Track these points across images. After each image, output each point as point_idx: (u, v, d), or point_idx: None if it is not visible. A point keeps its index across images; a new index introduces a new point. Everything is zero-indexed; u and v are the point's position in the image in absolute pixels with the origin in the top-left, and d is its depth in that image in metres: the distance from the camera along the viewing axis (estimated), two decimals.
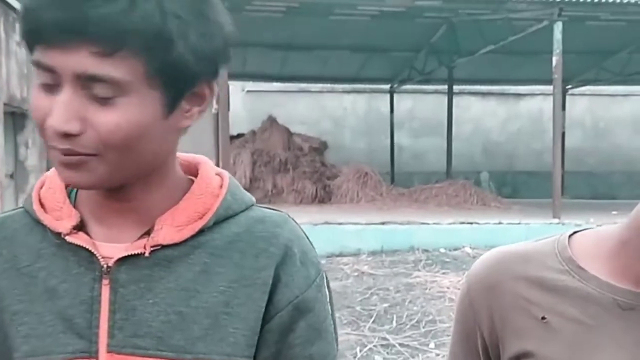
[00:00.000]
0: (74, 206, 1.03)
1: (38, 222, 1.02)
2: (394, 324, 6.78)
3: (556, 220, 11.19)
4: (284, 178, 14.96)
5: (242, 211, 1.04)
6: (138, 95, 0.89)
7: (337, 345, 1.07)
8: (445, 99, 17.15)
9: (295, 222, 1.09)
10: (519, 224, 11.03)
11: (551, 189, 11.82)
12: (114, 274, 0.98)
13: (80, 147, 0.90)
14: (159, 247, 0.98)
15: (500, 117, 20.10)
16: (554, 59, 11.27)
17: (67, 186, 1.03)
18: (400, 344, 6.19)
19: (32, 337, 0.98)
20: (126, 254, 0.97)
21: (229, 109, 11.07)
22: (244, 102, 18.78)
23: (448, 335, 6.15)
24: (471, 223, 10.92)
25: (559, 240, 1.06)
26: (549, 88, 12.73)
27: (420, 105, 19.63)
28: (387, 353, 6.03)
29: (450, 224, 10.86)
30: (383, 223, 10.72)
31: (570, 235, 1.07)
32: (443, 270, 8.86)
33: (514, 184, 19.29)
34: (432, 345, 6.18)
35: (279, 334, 1.01)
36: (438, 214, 12.24)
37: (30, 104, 0.92)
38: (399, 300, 7.50)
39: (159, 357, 0.96)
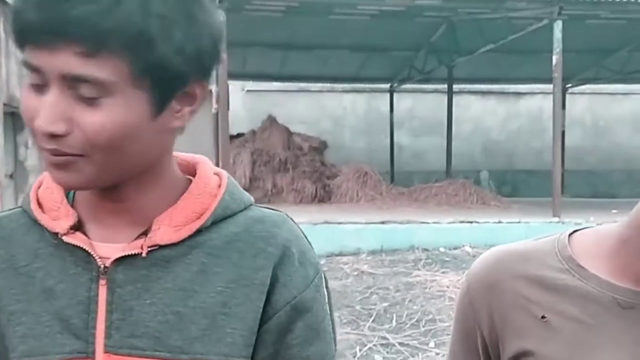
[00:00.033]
0: (72, 206, 1.02)
1: (36, 222, 1.02)
2: (394, 323, 6.78)
3: (556, 219, 11.19)
4: (283, 177, 14.96)
5: (241, 211, 1.04)
6: (124, 95, 0.88)
7: (335, 345, 1.07)
8: (445, 98, 17.15)
9: (294, 222, 1.08)
10: (518, 222, 11.03)
11: (551, 188, 11.82)
12: (111, 274, 0.97)
13: (67, 147, 0.90)
14: (156, 247, 0.97)
15: (500, 116, 20.10)
16: (554, 58, 11.26)
17: None
18: (400, 343, 6.19)
19: (29, 337, 0.98)
20: (123, 254, 0.97)
21: (228, 109, 11.07)
22: (244, 101, 18.78)
23: (448, 335, 6.14)
24: (471, 222, 10.92)
25: (559, 239, 1.06)
26: (548, 87, 12.73)
27: (420, 104, 19.63)
28: (387, 352, 6.03)
29: (450, 223, 10.87)
30: (383, 222, 10.73)
31: (570, 234, 1.07)
32: (443, 270, 8.86)
33: (513, 183, 19.29)
34: (431, 344, 6.18)
35: (277, 335, 1.00)
36: (438, 213, 12.24)
37: (21, 104, 0.92)
38: (398, 300, 7.50)
39: (156, 357, 0.96)
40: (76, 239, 0.98)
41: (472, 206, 13.98)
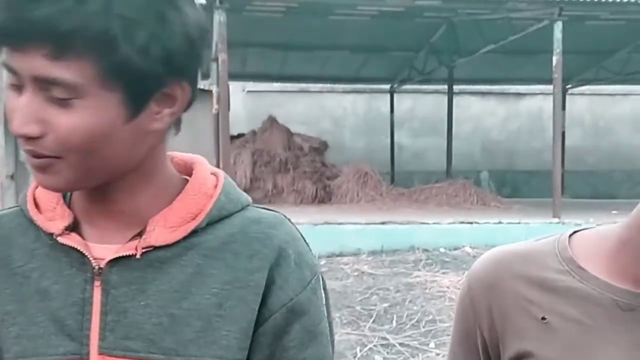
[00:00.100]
0: (69, 207, 1.02)
1: (32, 222, 1.02)
2: (394, 323, 6.77)
3: (556, 220, 11.19)
4: (284, 178, 14.95)
5: (237, 212, 1.04)
6: (94, 97, 0.88)
7: (333, 348, 1.07)
8: (445, 98, 17.14)
9: (292, 223, 1.07)
10: (518, 223, 11.02)
11: (551, 188, 11.81)
12: (106, 275, 0.97)
13: (42, 149, 0.90)
14: (151, 249, 0.97)
15: (500, 116, 20.09)
16: (554, 59, 11.26)
17: None
18: (400, 344, 6.19)
19: (24, 338, 0.97)
20: (118, 256, 0.97)
21: (229, 109, 11.07)
22: (244, 102, 18.78)
23: (448, 335, 6.14)
24: (471, 223, 10.91)
25: (559, 240, 1.06)
26: (549, 87, 12.73)
27: (420, 105, 19.62)
28: (387, 353, 6.03)
29: (450, 223, 10.86)
30: (383, 223, 10.72)
31: (570, 235, 1.07)
32: (443, 270, 8.86)
33: (513, 184, 19.28)
34: (432, 344, 6.18)
35: (273, 337, 1.00)
36: (438, 213, 12.24)
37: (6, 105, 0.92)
38: (399, 300, 7.50)
39: (150, 359, 0.96)
40: (71, 240, 0.98)
41: (472, 207, 13.97)
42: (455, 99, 17.27)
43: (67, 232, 0.99)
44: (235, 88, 17.07)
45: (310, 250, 1.07)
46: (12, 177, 9.28)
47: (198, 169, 1.06)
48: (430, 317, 6.90)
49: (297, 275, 1.01)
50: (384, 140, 18.73)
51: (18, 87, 0.89)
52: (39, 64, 0.85)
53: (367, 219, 10.93)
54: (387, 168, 17.93)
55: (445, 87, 17.03)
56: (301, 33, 13.88)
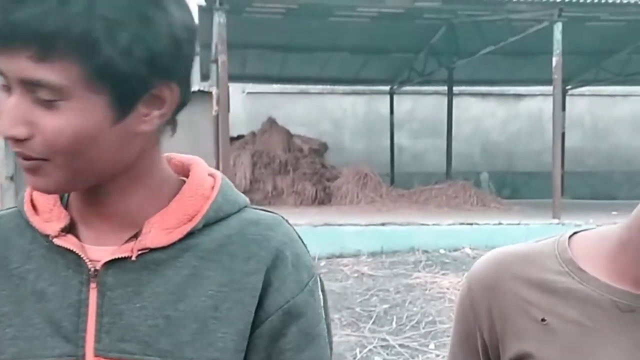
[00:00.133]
0: (66, 208, 1.02)
1: (29, 223, 1.02)
2: (394, 325, 6.78)
3: (556, 221, 11.19)
4: (284, 179, 14.96)
5: (235, 213, 1.03)
6: (80, 99, 0.87)
7: (331, 350, 1.06)
8: (445, 100, 17.16)
9: (290, 224, 1.07)
10: (518, 224, 11.03)
11: (551, 190, 11.82)
12: (102, 277, 0.97)
13: (30, 151, 0.90)
14: (147, 251, 0.97)
15: (500, 117, 20.11)
16: (554, 60, 11.27)
17: None
18: (400, 345, 6.19)
19: (20, 340, 0.97)
20: (113, 258, 0.97)
21: (229, 111, 11.08)
22: (244, 103, 18.79)
23: (448, 336, 6.13)
24: (471, 224, 10.92)
25: (559, 241, 1.06)
26: (548, 88, 12.74)
27: (420, 106, 19.64)
28: (387, 354, 6.03)
29: (450, 224, 10.87)
30: (383, 224, 10.73)
31: (570, 236, 1.07)
32: (443, 271, 8.87)
33: (513, 185, 19.30)
34: (432, 346, 6.18)
35: (270, 339, 0.99)
36: (438, 214, 12.25)
37: None
38: (399, 301, 7.50)
39: None
40: (67, 242, 0.98)
41: (472, 208, 13.98)
42: (455, 100, 17.29)
43: (63, 233, 0.98)
44: (235, 89, 17.10)
45: (308, 252, 1.06)
46: (11, 178, 9.28)
47: (195, 170, 1.05)
48: (430, 318, 6.90)
49: (294, 277, 1.01)
50: (384, 142, 18.75)
51: (8, 89, 0.89)
52: (24, 65, 0.85)
53: (367, 221, 10.94)
54: (387, 169, 17.94)
55: (445, 88, 17.05)
56: (301, 34, 13.89)
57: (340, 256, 9.96)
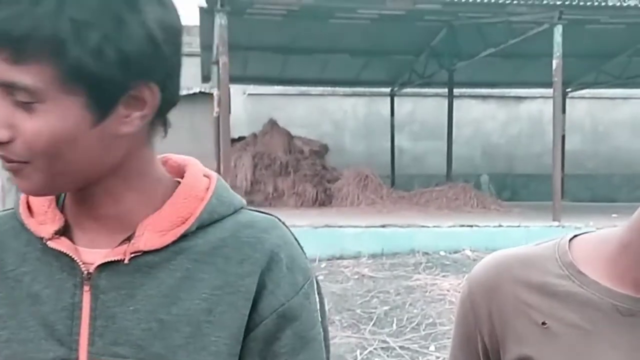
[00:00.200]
0: (62, 210, 1.02)
1: (25, 225, 1.01)
2: (394, 326, 6.77)
3: (556, 223, 11.19)
4: (284, 181, 14.95)
5: (230, 215, 1.02)
6: (56, 101, 0.87)
7: (328, 353, 1.05)
8: (445, 102, 17.14)
9: (286, 226, 1.06)
10: (518, 226, 11.02)
11: (551, 192, 11.81)
12: (95, 280, 0.96)
13: (12, 154, 0.90)
14: (140, 253, 0.96)
15: (500, 120, 20.10)
16: (554, 62, 11.27)
17: None
18: (400, 347, 6.19)
19: (14, 342, 0.97)
20: (106, 260, 0.96)
21: (230, 112, 11.08)
22: (245, 105, 18.78)
23: (448, 338, 6.15)
24: (471, 226, 10.91)
25: (560, 245, 1.06)
26: (549, 91, 12.73)
27: (420, 108, 19.63)
28: (388, 356, 6.03)
29: (450, 226, 10.86)
30: (383, 226, 10.72)
31: (570, 239, 1.07)
32: (443, 273, 8.86)
33: (513, 187, 19.29)
34: (432, 348, 6.18)
35: (264, 343, 0.98)
36: (438, 216, 12.24)
37: None
38: (399, 303, 7.50)
39: None
40: (60, 245, 0.97)
41: (472, 210, 13.97)
42: (456, 103, 17.27)
43: (57, 236, 0.98)
44: (236, 91, 17.09)
45: (305, 255, 1.05)
46: None
47: (190, 171, 1.04)
48: (431, 320, 6.89)
49: (289, 280, 1.00)
50: (385, 144, 18.73)
51: None
52: (0, 68, 0.85)
53: (367, 222, 10.93)
54: (387, 171, 17.93)
55: (446, 90, 17.03)
56: (302, 36, 13.88)
57: (341, 258, 9.95)
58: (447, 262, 9.51)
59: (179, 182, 1.03)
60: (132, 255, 0.96)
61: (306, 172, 15.19)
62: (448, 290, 7.88)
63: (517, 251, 1.09)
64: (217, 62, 11.72)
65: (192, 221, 0.98)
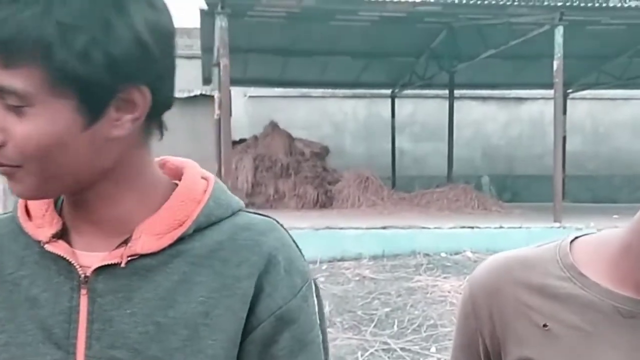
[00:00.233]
0: (60, 213, 1.02)
1: (23, 229, 1.01)
2: (396, 328, 6.77)
3: (557, 224, 11.19)
4: (285, 183, 14.96)
5: (227, 217, 1.02)
6: (46, 105, 0.87)
7: (327, 356, 1.05)
8: (446, 103, 17.15)
9: (284, 228, 1.06)
10: (520, 228, 11.01)
11: (552, 193, 11.81)
12: (92, 283, 0.96)
13: (3, 158, 0.90)
14: (136, 257, 0.96)
15: (501, 121, 20.10)
16: (555, 63, 11.27)
17: None
18: (401, 349, 6.19)
19: (12, 346, 0.97)
20: (103, 264, 0.96)
21: (231, 115, 11.09)
22: (246, 107, 18.79)
23: (449, 340, 6.15)
24: (472, 227, 10.91)
25: (561, 246, 1.06)
26: (549, 92, 12.74)
27: (421, 109, 19.63)
28: (389, 357, 6.03)
29: (451, 228, 10.86)
30: (384, 227, 10.72)
31: (571, 241, 1.07)
32: (444, 275, 8.86)
33: (514, 188, 19.28)
34: (433, 349, 6.18)
35: (262, 346, 0.98)
36: (439, 218, 12.24)
37: None
38: (400, 305, 7.50)
39: None
40: (58, 248, 0.97)
41: (473, 211, 13.96)
42: (456, 104, 17.27)
43: (54, 239, 0.98)
44: (237, 93, 17.10)
45: (303, 257, 1.05)
46: None
47: (187, 173, 1.04)
48: (432, 321, 6.89)
49: (287, 283, 0.99)
50: (385, 145, 18.74)
51: None
52: None
53: (368, 224, 10.93)
54: (388, 173, 17.93)
55: (446, 92, 17.04)
56: (302, 38, 13.89)
57: (342, 259, 9.95)
58: (448, 264, 9.51)
59: (177, 185, 1.03)
60: (129, 258, 0.96)
61: (307, 174, 15.20)
62: (449, 292, 7.88)
63: (518, 253, 1.09)
64: (217, 65, 11.72)
65: (189, 224, 0.98)
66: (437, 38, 14.15)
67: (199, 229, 0.99)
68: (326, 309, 7.09)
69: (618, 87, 18.04)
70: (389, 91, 18.73)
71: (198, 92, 14.23)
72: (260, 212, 1.08)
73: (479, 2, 11.57)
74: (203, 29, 12.66)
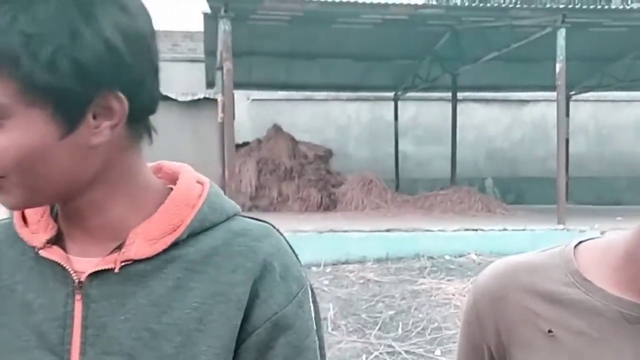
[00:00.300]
0: (56, 219, 1.01)
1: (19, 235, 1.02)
2: (400, 331, 6.77)
3: (561, 226, 11.17)
4: (289, 186, 14.97)
5: (222, 222, 1.01)
6: (21, 116, 0.87)
7: None
8: (449, 106, 17.15)
9: (280, 234, 1.05)
10: (523, 230, 11.00)
11: (555, 195, 11.80)
12: (86, 289, 0.96)
13: None
14: (130, 262, 0.96)
15: (504, 123, 20.08)
16: (558, 66, 11.27)
17: None
18: (406, 352, 6.19)
19: (6, 352, 0.97)
20: (97, 269, 0.96)
21: (234, 118, 11.10)
22: (249, 110, 18.80)
23: (454, 342, 6.15)
24: (476, 230, 10.89)
25: (564, 252, 1.06)
26: (552, 94, 12.72)
27: (424, 112, 19.62)
28: None
29: (455, 230, 10.84)
30: (388, 230, 10.71)
31: (575, 246, 1.06)
32: (448, 277, 8.85)
33: (518, 190, 19.26)
34: (437, 352, 6.18)
35: (257, 352, 0.98)
36: (443, 220, 12.23)
37: None
38: (404, 308, 7.49)
39: None
40: (52, 254, 0.97)
41: (477, 214, 13.95)
42: (459, 106, 17.27)
43: (49, 245, 0.98)
44: (240, 97, 17.12)
45: (299, 262, 1.05)
46: None
47: (182, 177, 1.04)
48: (436, 324, 6.89)
49: (283, 289, 0.99)
50: (389, 148, 18.73)
51: None
52: None
53: (372, 227, 10.92)
54: (391, 175, 17.93)
55: (449, 94, 17.03)
56: (305, 41, 13.91)
57: (346, 262, 9.95)
58: (452, 266, 9.50)
59: (172, 189, 1.02)
60: (123, 263, 0.96)
61: (310, 177, 15.21)
62: (453, 295, 7.87)
63: (522, 259, 1.09)
64: (221, 68, 11.73)
65: (182, 229, 0.98)
66: (440, 41, 14.15)
67: (193, 234, 0.99)
68: (330, 312, 7.10)
69: (621, 89, 18.03)
70: (392, 94, 18.73)
71: (201, 96, 14.24)
72: (256, 217, 1.07)
73: (481, 5, 11.59)
74: (206, 32, 12.68)
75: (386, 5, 11.42)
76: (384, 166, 17.85)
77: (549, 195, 14.06)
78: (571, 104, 18.02)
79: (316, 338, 1.03)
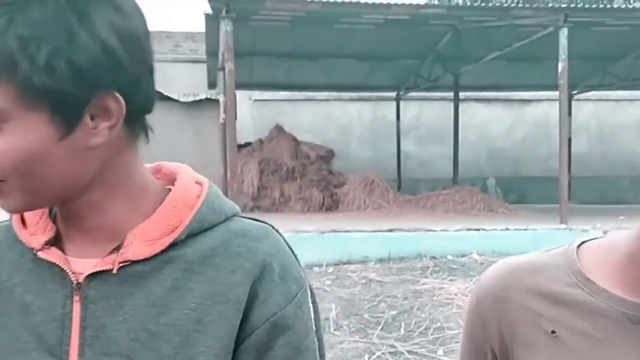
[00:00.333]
0: (54, 221, 1.02)
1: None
2: (402, 331, 6.77)
3: (563, 226, 11.16)
4: (291, 186, 14.97)
5: (221, 223, 1.02)
6: (19, 119, 0.87)
7: None
8: (451, 105, 17.15)
9: (279, 234, 1.05)
10: (526, 229, 10.99)
11: (558, 195, 11.79)
12: (84, 290, 0.96)
13: None
14: (128, 263, 0.96)
15: (506, 123, 20.08)
16: (560, 65, 11.26)
17: None
18: (408, 352, 6.19)
19: (5, 353, 0.97)
20: (96, 270, 0.96)
21: (236, 118, 11.10)
22: (251, 111, 18.81)
23: (456, 342, 6.15)
24: (478, 229, 10.88)
25: (567, 252, 1.06)
26: (554, 94, 12.72)
27: (426, 112, 19.63)
28: None
29: (457, 230, 10.83)
30: (390, 230, 10.70)
31: (578, 246, 1.06)
32: (451, 277, 8.85)
33: (520, 190, 19.25)
34: (440, 352, 6.18)
35: (256, 353, 0.97)
36: (445, 220, 12.22)
37: None
38: (407, 308, 7.49)
39: None
40: (50, 255, 0.98)
41: (479, 213, 13.93)
42: (461, 106, 17.27)
43: (47, 246, 0.98)
44: (242, 97, 17.12)
45: (298, 263, 1.04)
46: None
47: (181, 178, 1.04)
48: (439, 324, 6.89)
49: (282, 289, 0.99)
50: (391, 148, 18.74)
51: None
52: None
53: (374, 227, 10.91)
54: (393, 175, 17.93)
55: (451, 94, 17.03)
56: (307, 42, 13.90)
57: (348, 262, 9.94)
58: (455, 266, 9.50)
59: (171, 190, 1.02)
60: (121, 264, 0.96)
61: (312, 177, 15.21)
62: (456, 294, 7.87)
63: (524, 259, 1.08)
64: (223, 69, 11.74)
65: (181, 230, 0.98)
66: (442, 40, 14.15)
67: (191, 235, 0.99)
68: (332, 312, 7.10)
69: (623, 88, 18.02)
70: (394, 94, 18.73)
71: (203, 96, 14.26)
72: (255, 217, 1.07)
73: (483, 5, 11.59)
74: (208, 33, 12.69)
75: (388, 5, 11.41)
76: (386, 166, 17.85)
77: (551, 194, 14.06)
78: (573, 103, 18.02)
79: (315, 339, 1.03)
